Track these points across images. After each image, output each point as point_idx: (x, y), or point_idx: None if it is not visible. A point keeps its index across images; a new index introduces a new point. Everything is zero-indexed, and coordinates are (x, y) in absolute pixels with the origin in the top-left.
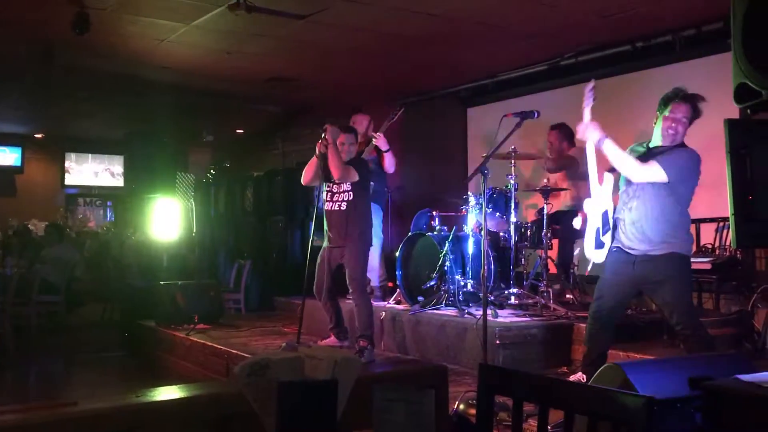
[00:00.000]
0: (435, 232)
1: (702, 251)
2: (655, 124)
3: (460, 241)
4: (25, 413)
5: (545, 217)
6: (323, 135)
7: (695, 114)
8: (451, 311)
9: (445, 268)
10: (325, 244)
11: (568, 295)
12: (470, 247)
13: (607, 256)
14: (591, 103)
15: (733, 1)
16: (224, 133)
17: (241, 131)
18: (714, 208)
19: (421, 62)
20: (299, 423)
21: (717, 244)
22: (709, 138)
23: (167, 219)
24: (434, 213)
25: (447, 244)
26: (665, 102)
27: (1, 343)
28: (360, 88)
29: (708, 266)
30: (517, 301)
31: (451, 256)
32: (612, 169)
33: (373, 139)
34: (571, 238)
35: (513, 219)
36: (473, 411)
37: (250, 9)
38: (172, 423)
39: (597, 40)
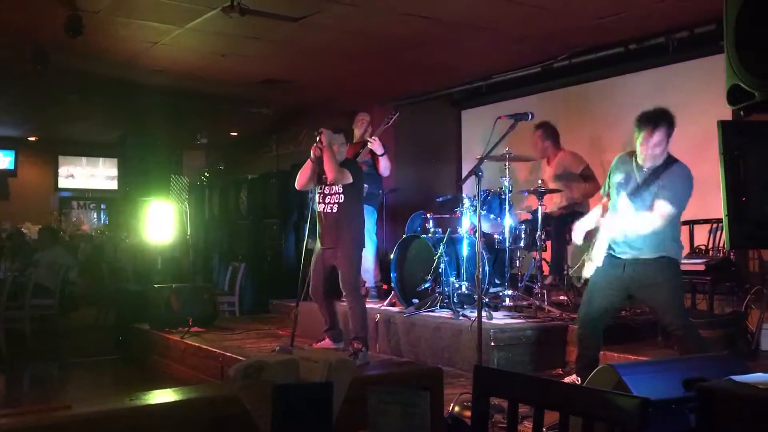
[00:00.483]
0: (429, 235)
1: (695, 252)
2: (635, 140)
3: (454, 243)
4: (20, 417)
5: (539, 218)
6: (318, 138)
7: (671, 127)
8: (445, 313)
9: (440, 270)
10: (318, 245)
11: (562, 297)
12: (465, 249)
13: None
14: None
15: (725, 4)
16: (218, 136)
17: (236, 134)
18: (707, 210)
19: (414, 64)
20: (294, 425)
21: (710, 246)
22: (702, 139)
23: (161, 222)
24: (428, 215)
25: (441, 246)
26: (637, 128)
27: None
28: (354, 91)
29: (701, 267)
30: (511, 303)
31: (445, 258)
32: (609, 175)
33: (369, 143)
34: (564, 239)
35: (507, 221)
36: (468, 413)
37: (243, 11)
38: (167, 426)
39: (590, 43)
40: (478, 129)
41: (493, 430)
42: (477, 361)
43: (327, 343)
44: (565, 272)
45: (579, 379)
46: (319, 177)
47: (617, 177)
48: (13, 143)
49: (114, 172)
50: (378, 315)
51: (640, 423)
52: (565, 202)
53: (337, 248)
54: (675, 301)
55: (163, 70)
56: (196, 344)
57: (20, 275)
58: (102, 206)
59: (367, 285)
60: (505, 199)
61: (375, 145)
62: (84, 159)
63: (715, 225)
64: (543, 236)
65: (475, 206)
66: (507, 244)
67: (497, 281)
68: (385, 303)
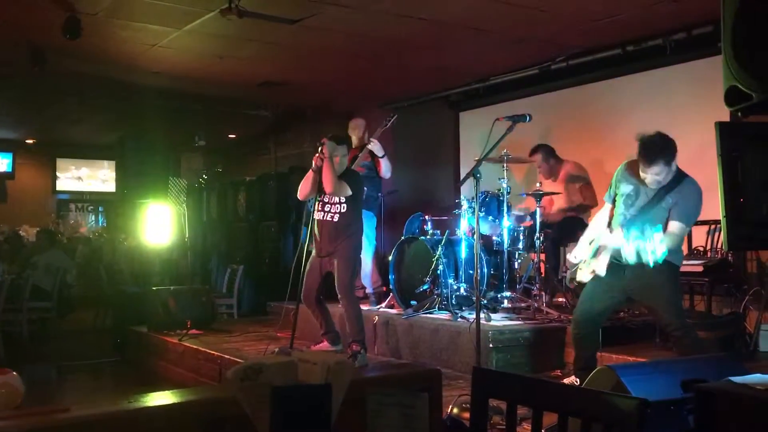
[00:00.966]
0: (428, 236)
1: (694, 254)
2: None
3: (452, 245)
4: (18, 419)
5: (537, 220)
6: (320, 149)
7: (668, 159)
8: (444, 315)
9: (438, 272)
10: (314, 251)
11: (560, 299)
12: (463, 251)
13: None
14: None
15: (722, 5)
16: (216, 138)
17: (234, 136)
18: (705, 211)
19: (412, 66)
20: (293, 428)
21: (708, 247)
22: (699, 141)
23: (159, 224)
24: (427, 217)
25: (440, 248)
26: (639, 156)
27: None
28: (351, 93)
29: (700, 269)
30: (509, 305)
31: (443, 260)
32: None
33: (369, 146)
34: (563, 241)
35: (505, 223)
36: (467, 414)
37: (241, 14)
38: (165, 428)
39: (587, 44)
40: (475, 131)
41: None
42: (476, 363)
43: (325, 345)
44: (564, 274)
45: (578, 380)
46: (319, 187)
47: (625, 188)
48: (11, 146)
49: (112, 174)
50: (377, 317)
51: (639, 424)
52: (566, 205)
53: (334, 254)
54: (673, 303)
55: (161, 72)
56: (195, 346)
57: (18, 278)
58: (100, 208)
59: (366, 290)
60: (503, 200)
61: (375, 146)
62: (82, 161)
63: (713, 226)
64: (542, 238)
65: (474, 208)
66: (505, 246)
67: (495, 283)
68: (384, 305)
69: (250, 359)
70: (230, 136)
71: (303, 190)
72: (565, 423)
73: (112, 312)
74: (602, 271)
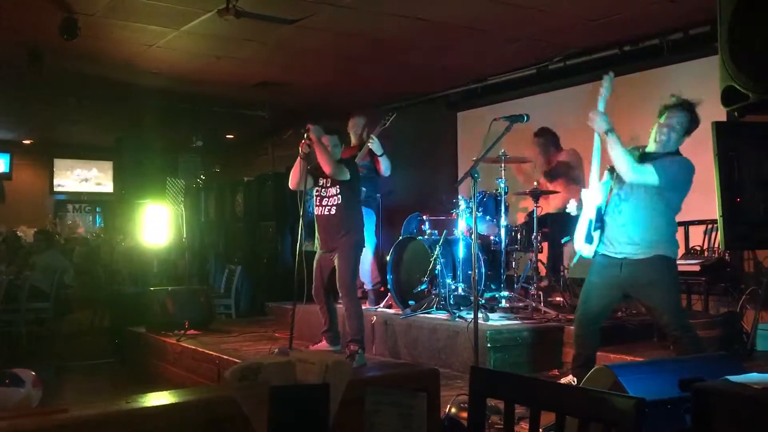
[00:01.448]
0: (425, 236)
1: (691, 253)
2: (654, 122)
3: (450, 244)
4: (16, 420)
5: (535, 220)
6: (305, 135)
7: (692, 121)
8: (442, 315)
9: (436, 271)
10: (318, 248)
11: (558, 298)
12: (461, 251)
13: (592, 261)
14: (607, 94)
15: (719, 5)
16: (214, 138)
17: (231, 136)
18: (702, 211)
19: (409, 66)
20: (291, 427)
21: (706, 246)
22: (697, 141)
23: (157, 225)
24: (425, 217)
25: (438, 248)
26: (662, 109)
27: None
28: (349, 93)
29: (697, 268)
30: (507, 305)
31: (441, 260)
32: (611, 168)
33: (369, 143)
34: (561, 240)
35: (503, 222)
36: (465, 414)
37: (239, 14)
38: (163, 429)
39: (585, 44)
40: (473, 131)
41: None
42: (473, 363)
43: (324, 344)
44: (562, 273)
45: (575, 379)
46: (314, 177)
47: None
48: (8, 146)
49: (109, 174)
50: (375, 317)
51: (636, 423)
52: (560, 203)
53: (335, 251)
54: (671, 302)
55: (159, 72)
56: (193, 347)
57: (16, 278)
58: (97, 209)
59: (365, 287)
60: (501, 200)
61: (375, 144)
62: (80, 162)
63: (710, 226)
64: (539, 237)
65: (471, 208)
66: (503, 246)
67: (493, 283)
68: (382, 305)
69: (248, 359)
70: (228, 136)
71: (293, 178)
72: (562, 422)
73: (109, 312)
74: (581, 236)
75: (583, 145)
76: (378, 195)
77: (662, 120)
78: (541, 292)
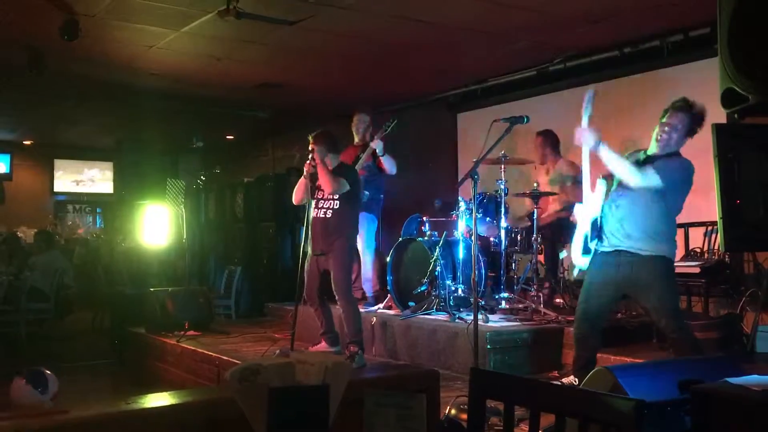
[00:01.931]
0: (425, 238)
1: (691, 255)
2: (658, 124)
3: (450, 246)
4: (17, 421)
5: (535, 221)
6: (309, 156)
7: (693, 123)
8: (442, 316)
9: (436, 273)
10: (310, 251)
11: (558, 300)
12: (461, 252)
13: (591, 260)
14: (590, 110)
15: (719, 7)
16: (214, 139)
17: (232, 137)
18: (702, 213)
19: (410, 68)
20: (291, 428)
21: (705, 248)
22: (696, 142)
23: (157, 225)
24: (425, 218)
25: (437, 250)
26: (665, 110)
27: None
28: (349, 94)
29: (697, 270)
30: (507, 306)
31: (441, 261)
32: (605, 177)
33: (372, 144)
34: (560, 242)
35: (503, 224)
36: (464, 416)
37: (239, 15)
38: (163, 429)
39: (585, 46)
40: (474, 132)
41: None
42: (473, 364)
43: (323, 346)
44: (561, 275)
45: (576, 380)
46: (312, 191)
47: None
48: (9, 147)
49: (110, 175)
50: (374, 318)
51: (636, 425)
52: (560, 206)
53: (329, 253)
54: (669, 304)
55: (159, 73)
56: (192, 348)
57: (16, 279)
58: (98, 210)
59: (367, 294)
60: (501, 202)
61: (379, 146)
62: (80, 163)
63: (710, 227)
64: (539, 239)
65: (471, 209)
66: (503, 247)
67: (493, 284)
68: (382, 306)
69: (248, 360)
70: (228, 137)
71: (297, 195)
72: (562, 424)
73: (109, 313)
74: (578, 242)
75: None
76: (381, 196)
77: (664, 120)
78: (540, 294)
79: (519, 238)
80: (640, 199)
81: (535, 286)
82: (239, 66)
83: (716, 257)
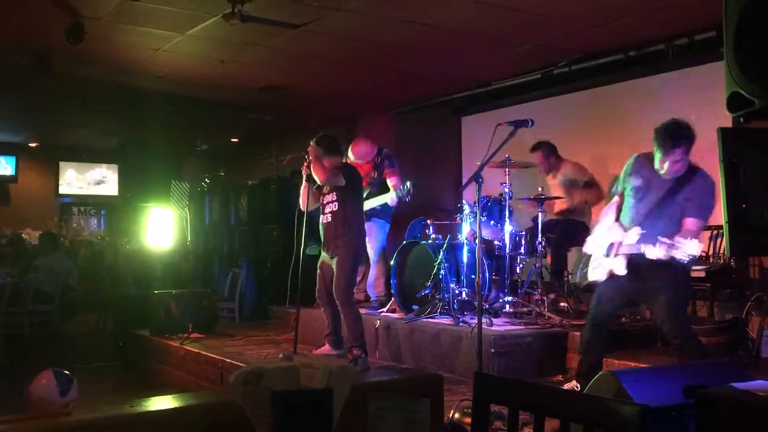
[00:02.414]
0: (429, 241)
1: (696, 259)
2: (654, 153)
3: (454, 249)
4: (20, 423)
5: (539, 225)
6: (306, 158)
7: (689, 145)
8: (445, 320)
9: (440, 276)
10: (324, 253)
11: (562, 303)
12: (465, 256)
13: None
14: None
15: (725, 10)
16: (219, 142)
17: (236, 140)
18: None
19: (414, 71)
20: None
21: (711, 252)
22: (701, 146)
23: (161, 228)
24: (429, 221)
25: (441, 253)
26: (655, 143)
27: None
28: (354, 97)
29: (702, 274)
30: (511, 310)
31: (445, 265)
32: (620, 178)
33: (387, 199)
34: (565, 246)
35: (507, 227)
36: (468, 420)
37: (244, 18)
38: None
39: (590, 50)
40: (478, 136)
41: None
42: (477, 368)
43: (327, 349)
44: (566, 279)
45: (578, 385)
46: (317, 197)
47: (635, 181)
48: (14, 149)
49: (114, 177)
50: (378, 321)
51: (640, 430)
52: (565, 207)
53: (334, 257)
54: (676, 312)
55: (164, 76)
56: (196, 350)
57: (20, 281)
58: (102, 212)
59: (372, 298)
60: (505, 205)
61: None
62: (85, 165)
63: (715, 231)
64: (543, 243)
65: (476, 213)
66: (507, 251)
67: (497, 288)
68: (385, 309)
69: (252, 363)
70: (232, 140)
71: (303, 200)
72: (566, 429)
73: (113, 315)
74: (621, 271)
75: (587, 150)
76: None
77: (662, 152)
78: (545, 298)
79: (523, 241)
80: (668, 212)
81: (539, 290)
82: (244, 69)
83: (722, 261)
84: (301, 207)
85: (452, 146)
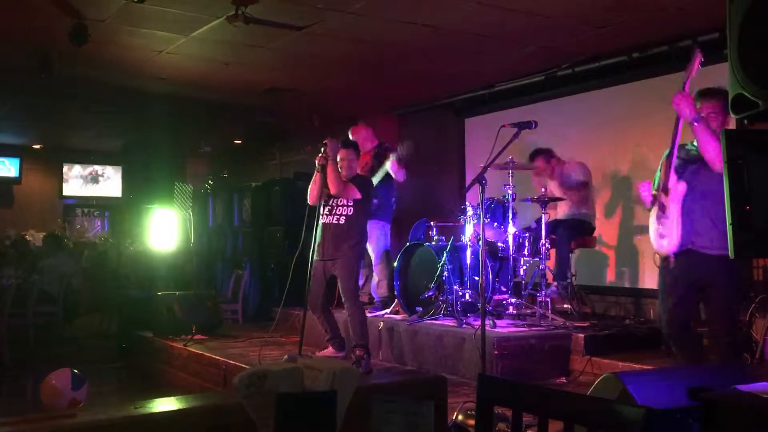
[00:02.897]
0: (433, 243)
1: None
2: None
3: (458, 251)
4: (24, 425)
5: (543, 226)
6: (323, 150)
7: (725, 103)
8: (449, 321)
9: (443, 278)
10: (316, 256)
11: (566, 305)
12: (468, 257)
13: (669, 260)
14: (695, 74)
15: (729, 12)
16: (222, 144)
17: (239, 142)
18: None
19: (417, 73)
20: None
21: None
22: None
23: (165, 229)
24: (432, 223)
25: (445, 254)
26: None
27: None
28: (357, 99)
29: None
30: (515, 311)
31: (449, 266)
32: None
33: (387, 167)
34: (568, 247)
35: (511, 229)
36: (472, 422)
37: (248, 20)
38: None
39: (593, 51)
40: (481, 137)
41: None
42: (481, 370)
43: (330, 351)
44: (569, 280)
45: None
46: (325, 188)
47: (676, 163)
48: (18, 151)
49: (118, 179)
50: (381, 323)
51: None
52: (568, 209)
53: (337, 259)
54: (727, 309)
55: (168, 78)
56: (199, 352)
57: (24, 282)
58: (106, 213)
59: (375, 299)
60: (508, 207)
61: (399, 174)
62: (89, 166)
63: None
64: (547, 244)
65: (479, 214)
66: (511, 252)
67: (501, 289)
68: (389, 311)
69: (255, 365)
70: (236, 141)
71: (312, 193)
72: (570, 431)
73: (117, 317)
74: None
75: (590, 151)
76: (393, 200)
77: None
78: (548, 299)
79: (527, 243)
80: (719, 199)
81: (542, 292)
82: (247, 71)
83: None
84: (309, 200)
85: (455, 148)
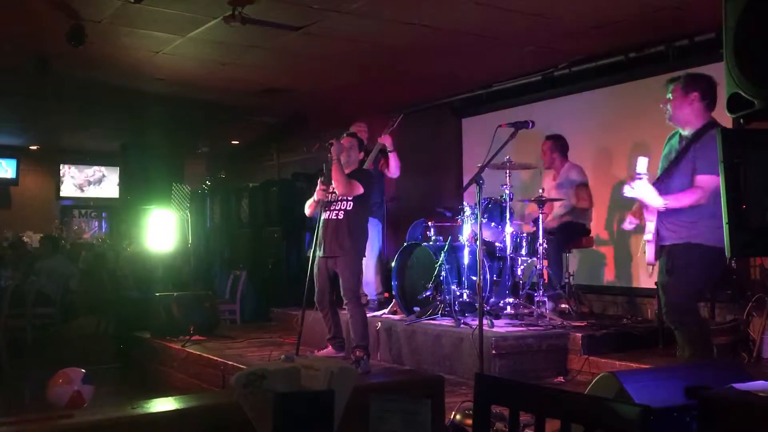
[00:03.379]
0: (431, 243)
1: None
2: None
3: (455, 251)
4: (21, 425)
5: (540, 226)
6: (328, 149)
7: (686, 89)
8: (447, 321)
9: (441, 278)
10: (319, 253)
11: (563, 305)
12: (466, 257)
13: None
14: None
15: (725, 12)
16: (220, 145)
17: (237, 142)
18: None
19: (415, 73)
20: None
21: None
22: None
23: (163, 230)
24: (430, 223)
25: (443, 255)
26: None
27: None
28: (355, 99)
29: None
30: (512, 311)
31: (446, 266)
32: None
33: (381, 138)
34: (565, 247)
35: (508, 229)
36: (469, 421)
37: (245, 21)
38: None
39: (590, 51)
40: (478, 137)
41: None
42: (478, 369)
43: (329, 351)
44: (567, 280)
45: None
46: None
47: (664, 152)
48: (15, 152)
49: (115, 180)
50: (379, 323)
51: (642, 431)
52: (564, 211)
53: (338, 257)
54: (680, 284)
55: (165, 78)
56: (197, 352)
57: (22, 284)
58: (103, 214)
59: (369, 297)
60: (506, 207)
61: (386, 140)
62: (86, 167)
63: None
64: (545, 244)
65: (476, 214)
66: (508, 252)
67: (498, 289)
68: (387, 311)
69: (253, 365)
70: (233, 142)
71: (310, 208)
72: (567, 430)
73: (115, 318)
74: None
75: (587, 151)
76: (383, 200)
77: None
78: (546, 299)
79: (524, 243)
80: (682, 180)
81: (540, 292)
82: (244, 71)
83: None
84: (306, 213)
85: (453, 148)
